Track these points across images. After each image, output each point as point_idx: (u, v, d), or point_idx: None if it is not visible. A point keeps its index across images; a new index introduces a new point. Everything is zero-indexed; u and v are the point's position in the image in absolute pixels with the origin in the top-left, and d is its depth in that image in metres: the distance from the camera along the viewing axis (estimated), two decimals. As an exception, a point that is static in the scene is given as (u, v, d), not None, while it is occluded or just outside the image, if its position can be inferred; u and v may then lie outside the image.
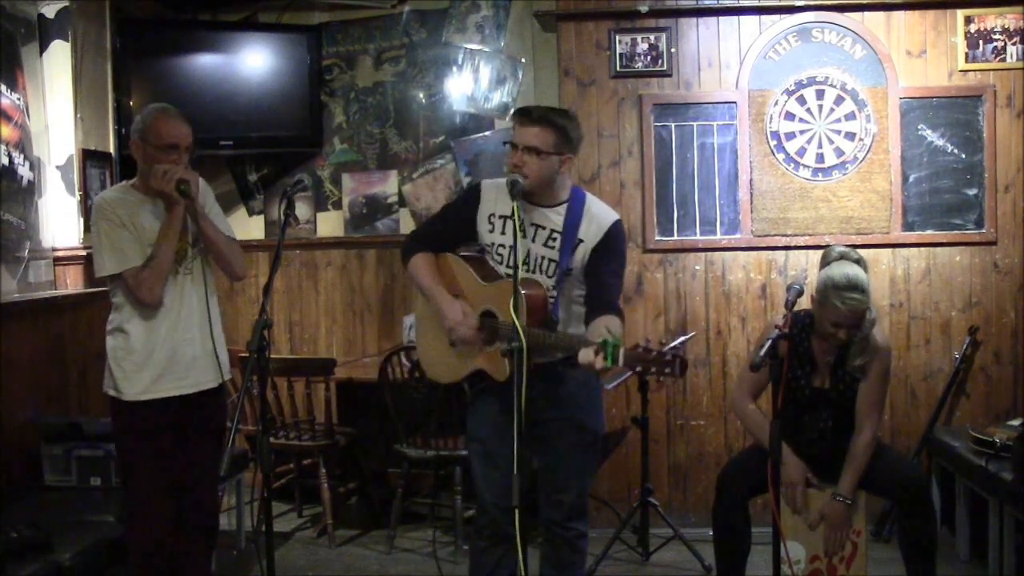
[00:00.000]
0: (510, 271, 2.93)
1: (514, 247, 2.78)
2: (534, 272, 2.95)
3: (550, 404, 2.93)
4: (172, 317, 3.19)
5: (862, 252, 3.47)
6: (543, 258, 2.96)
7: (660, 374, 2.56)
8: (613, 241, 2.96)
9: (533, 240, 2.96)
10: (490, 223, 3.04)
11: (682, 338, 4.49)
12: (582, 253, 2.94)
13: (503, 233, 3.01)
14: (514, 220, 2.76)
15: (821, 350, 3.42)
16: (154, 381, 3.16)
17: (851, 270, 3.28)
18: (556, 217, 2.96)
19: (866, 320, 3.31)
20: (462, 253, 3.15)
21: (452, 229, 3.13)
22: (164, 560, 3.21)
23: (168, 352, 3.17)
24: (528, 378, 2.60)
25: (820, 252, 4.53)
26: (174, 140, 3.13)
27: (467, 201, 3.11)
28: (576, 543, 3.11)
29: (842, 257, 3.36)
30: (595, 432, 3.11)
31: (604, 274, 2.93)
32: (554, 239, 2.95)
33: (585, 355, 2.64)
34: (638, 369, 2.60)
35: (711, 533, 3.57)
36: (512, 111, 3.12)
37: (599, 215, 2.97)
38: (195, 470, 3.26)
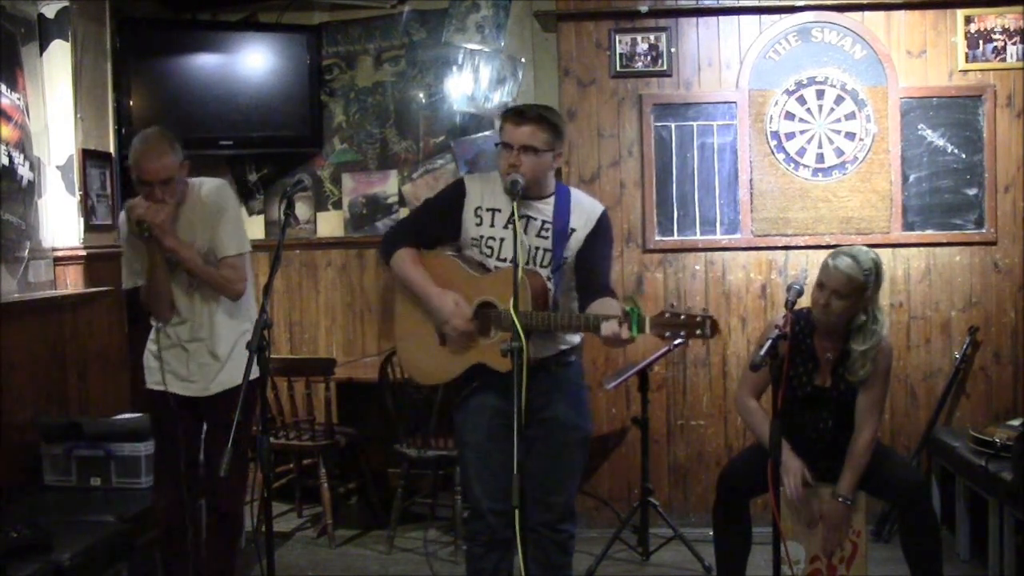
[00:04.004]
0: (501, 264, 2.96)
1: (514, 245, 2.77)
2: (529, 263, 2.95)
3: (542, 403, 2.92)
4: (186, 325, 3.39)
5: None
6: (537, 248, 2.96)
7: (691, 336, 2.59)
8: (604, 227, 3.03)
9: (526, 232, 2.97)
10: (477, 216, 3.02)
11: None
12: (576, 242, 2.98)
13: (492, 225, 3.00)
14: (514, 220, 2.75)
15: (822, 348, 3.42)
16: (162, 377, 3.38)
17: (857, 250, 3.33)
18: (545, 208, 2.98)
19: (870, 337, 3.31)
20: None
21: (436, 225, 3.08)
22: (180, 532, 3.44)
23: (177, 355, 3.40)
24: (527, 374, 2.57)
25: (820, 252, 4.59)
26: (142, 176, 3.21)
27: (452, 196, 3.07)
28: (566, 545, 3.08)
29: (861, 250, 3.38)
30: (585, 431, 3.11)
31: (598, 259, 3.01)
32: (546, 230, 2.97)
33: (609, 327, 2.67)
34: (667, 335, 2.64)
35: (711, 533, 3.57)
36: (502, 111, 3.10)
37: (587, 205, 3.05)
38: (213, 459, 3.38)
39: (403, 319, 3.15)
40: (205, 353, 3.38)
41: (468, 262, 3.03)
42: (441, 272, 3.03)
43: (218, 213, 3.35)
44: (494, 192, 3.02)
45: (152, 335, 3.44)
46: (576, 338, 3.09)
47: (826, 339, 3.40)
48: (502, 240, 2.98)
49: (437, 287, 2.98)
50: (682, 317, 2.61)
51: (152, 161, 3.18)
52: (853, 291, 3.26)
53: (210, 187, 3.39)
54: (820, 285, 3.32)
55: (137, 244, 3.32)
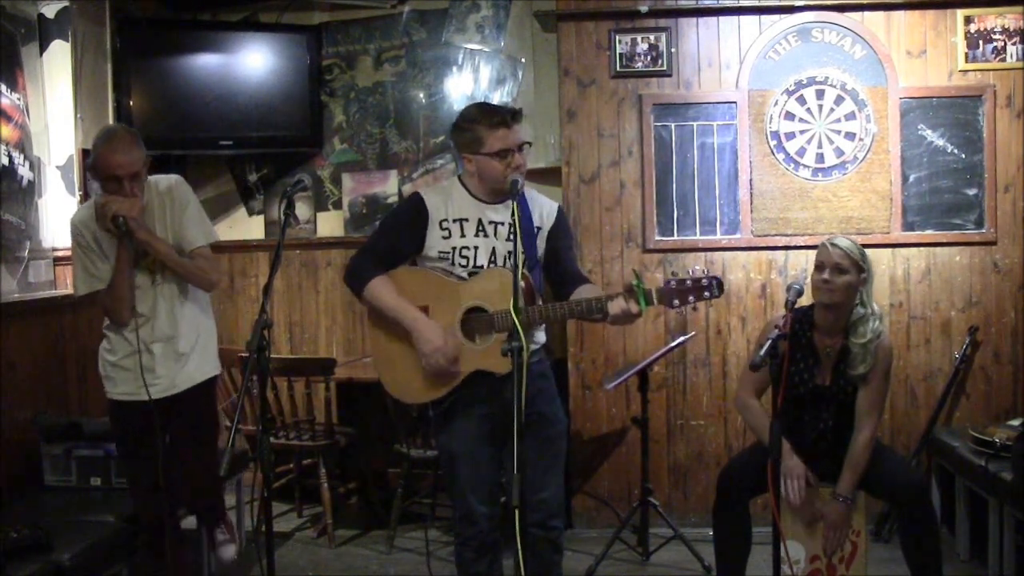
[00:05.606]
0: (477, 271, 2.96)
1: (515, 247, 2.74)
2: (507, 265, 2.95)
3: (526, 400, 2.89)
4: (148, 326, 3.31)
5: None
6: (511, 252, 2.95)
7: (699, 299, 2.66)
8: (563, 221, 3.10)
9: (495, 236, 2.98)
10: (444, 230, 2.98)
11: (682, 338, 4.49)
12: (542, 239, 3.03)
13: (463, 235, 2.98)
14: (514, 220, 2.73)
15: (823, 343, 3.43)
16: (129, 384, 3.31)
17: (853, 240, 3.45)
18: (507, 211, 2.95)
19: (869, 330, 3.33)
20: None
21: (402, 246, 3.03)
22: (166, 533, 3.37)
23: (144, 358, 3.27)
24: (508, 376, 2.54)
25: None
26: (112, 172, 3.15)
27: (414, 214, 3.01)
28: (558, 542, 3.08)
29: None
30: (565, 423, 3.12)
31: (565, 251, 3.08)
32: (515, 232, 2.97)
33: (617, 304, 2.70)
34: (676, 303, 2.69)
35: (711, 533, 3.57)
36: (483, 117, 2.95)
37: (543, 202, 3.10)
38: (185, 459, 3.37)
39: (382, 341, 3.06)
40: (170, 351, 3.33)
41: (441, 271, 3.00)
42: (418, 287, 2.99)
43: (182, 207, 3.33)
44: (456, 202, 3.00)
45: (107, 344, 3.36)
46: (542, 337, 3.09)
47: (826, 335, 3.41)
48: (476, 248, 2.97)
49: (422, 315, 2.93)
50: (687, 283, 2.66)
51: (123, 155, 3.15)
52: (852, 264, 3.33)
53: (167, 183, 3.36)
54: (819, 267, 3.38)
55: (96, 249, 3.26)
